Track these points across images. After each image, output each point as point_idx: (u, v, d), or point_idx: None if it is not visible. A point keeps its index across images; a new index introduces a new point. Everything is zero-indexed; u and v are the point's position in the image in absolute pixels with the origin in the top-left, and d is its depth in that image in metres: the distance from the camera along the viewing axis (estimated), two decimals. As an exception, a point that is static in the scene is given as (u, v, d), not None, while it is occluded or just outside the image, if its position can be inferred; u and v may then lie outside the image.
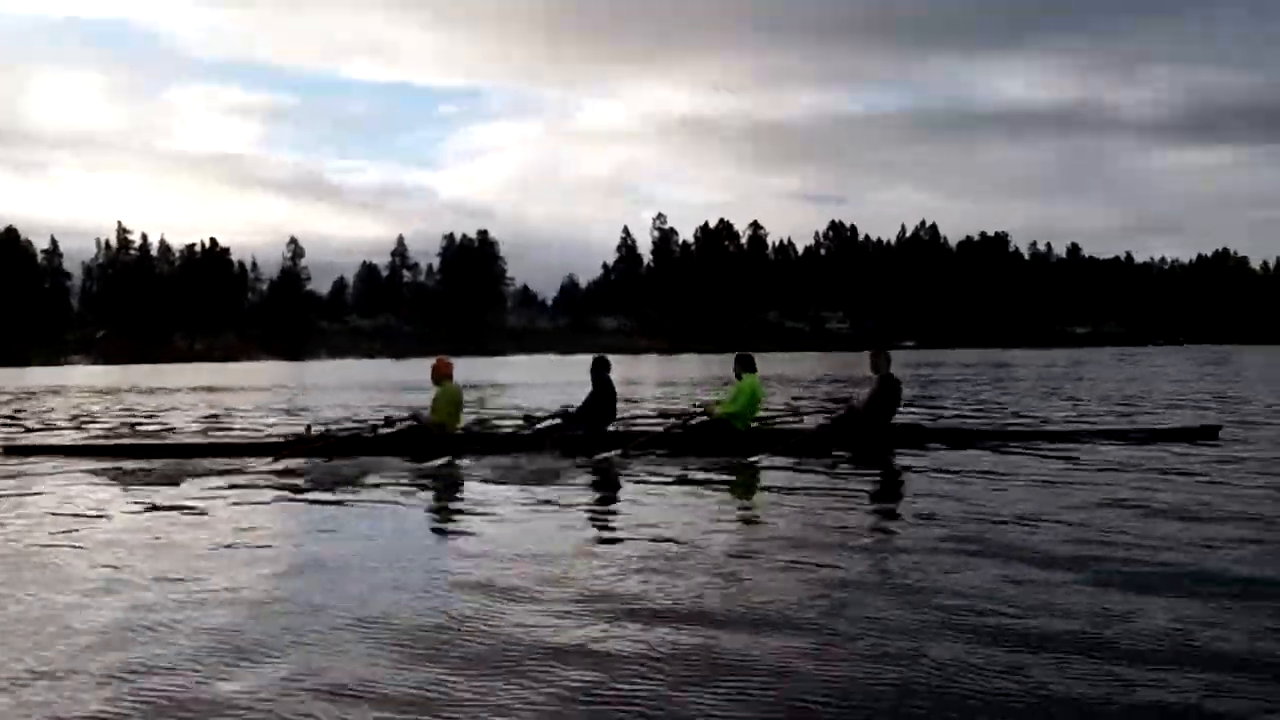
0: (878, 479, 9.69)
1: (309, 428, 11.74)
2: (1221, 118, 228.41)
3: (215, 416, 20.32)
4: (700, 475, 9.56)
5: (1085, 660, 3.97)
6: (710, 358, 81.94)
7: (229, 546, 6.52)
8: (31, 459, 11.54)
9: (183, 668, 4.04)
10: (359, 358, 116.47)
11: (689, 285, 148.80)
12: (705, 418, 11.56)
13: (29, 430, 17.39)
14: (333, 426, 11.98)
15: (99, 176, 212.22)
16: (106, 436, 15.33)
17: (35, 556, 6.29)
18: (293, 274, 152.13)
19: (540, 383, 35.38)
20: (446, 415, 11.52)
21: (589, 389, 11.92)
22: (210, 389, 35.86)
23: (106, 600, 5.13)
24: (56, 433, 16.56)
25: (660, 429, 11.76)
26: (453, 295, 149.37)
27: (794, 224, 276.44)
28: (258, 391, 33.53)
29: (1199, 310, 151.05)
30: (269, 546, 6.55)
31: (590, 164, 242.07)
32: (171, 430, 16.74)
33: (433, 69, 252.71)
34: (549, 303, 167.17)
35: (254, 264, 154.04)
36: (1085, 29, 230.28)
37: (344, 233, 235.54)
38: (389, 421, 11.59)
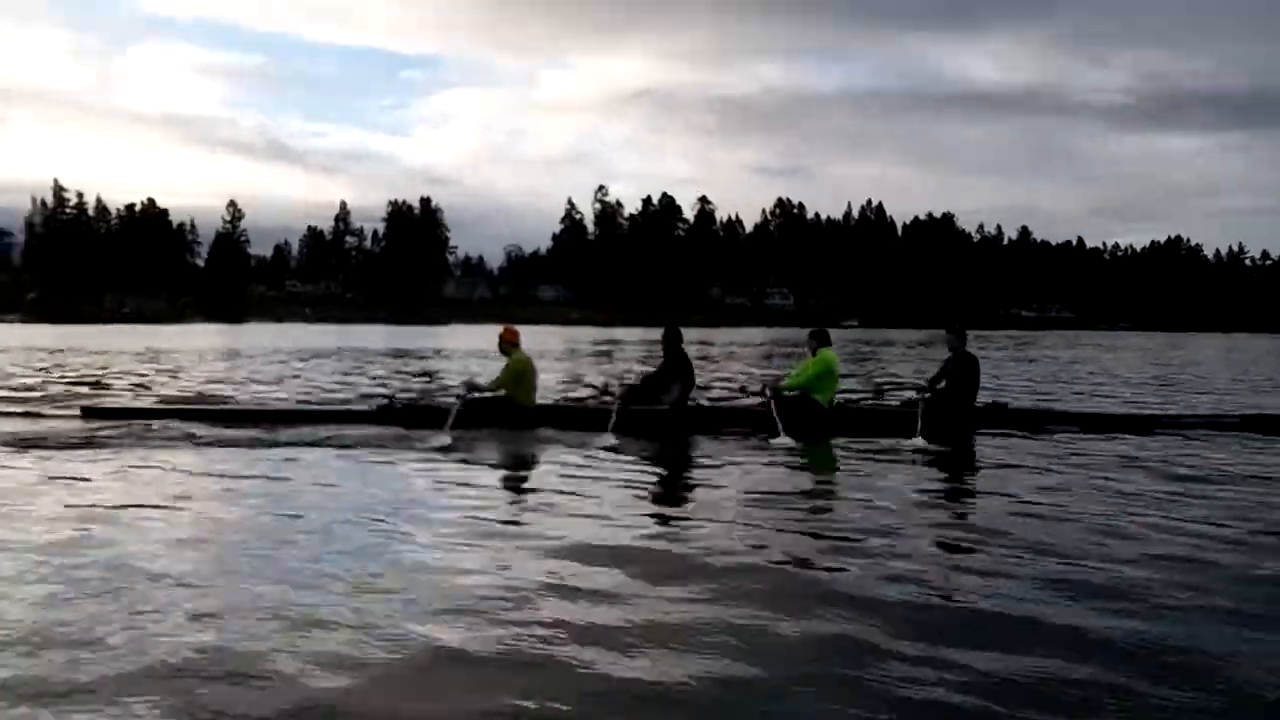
0: (969, 464, 9.29)
1: (392, 398, 11.70)
2: (1184, 104, 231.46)
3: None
4: (786, 457, 9.38)
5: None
6: (652, 331, 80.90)
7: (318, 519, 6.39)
8: (114, 422, 10.92)
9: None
10: (299, 323, 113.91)
11: (630, 258, 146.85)
12: (766, 395, 10.98)
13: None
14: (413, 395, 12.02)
15: (59, 134, 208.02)
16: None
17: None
18: (229, 238, 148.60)
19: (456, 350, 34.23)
20: (518, 388, 11.10)
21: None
22: (160, 352, 34.14)
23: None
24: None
25: (743, 407, 11.38)
26: (394, 263, 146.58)
27: (755, 199, 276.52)
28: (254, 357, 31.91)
29: (1148, 296, 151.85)
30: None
31: (551, 135, 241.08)
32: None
33: (396, 35, 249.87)
34: (496, 272, 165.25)
35: (192, 225, 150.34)
36: (1053, 11, 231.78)
37: (305, 196, 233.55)
38: (471, 389, 11.28)
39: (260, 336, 56.20)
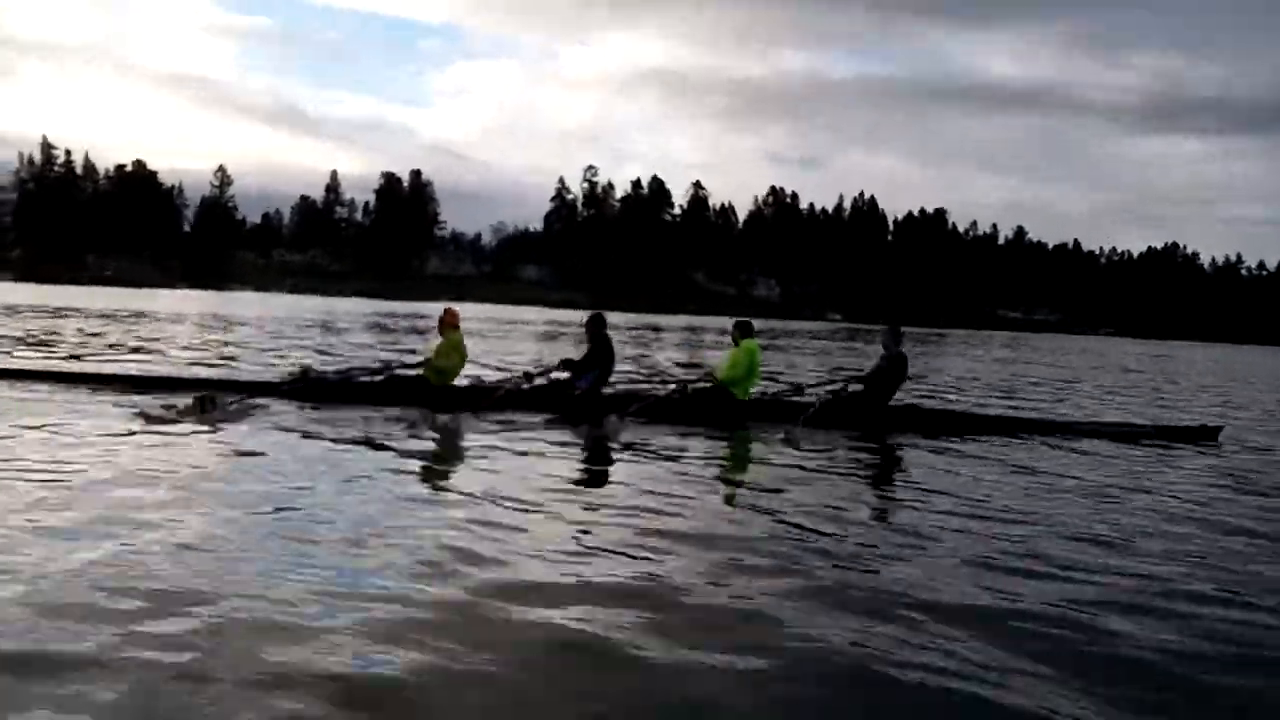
0: (872, 460, 9.57)
1: (306, 370, 11.62)
2: (1194, 109, 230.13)
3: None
4: (694, 443, 9.58)
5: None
6: (630, 316, 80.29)
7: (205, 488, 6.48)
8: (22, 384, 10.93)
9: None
10: (284, 292, 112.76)
11: (616, 241, 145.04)
12: (707, 383, 11.70)
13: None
14: (328, 369, 12.00)
15: (65, 90, 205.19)
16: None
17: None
18: (216, 203, 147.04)
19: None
20: (449, 365, 11.32)
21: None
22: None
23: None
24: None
25: (660, 393, 11.60)
26: (382, 236, 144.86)
27: (762, 186, 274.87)
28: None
29: (1139, 303, 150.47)
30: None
31: (566, 112, 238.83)
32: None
33: (415, 2, 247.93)
34: (489, 250, 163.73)
35: (181, 189, 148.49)
36: (1076, 8, 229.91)
37: (315, 164, 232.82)
38: (388, 368, 11.69)
39: (190, 304, 55.36)
